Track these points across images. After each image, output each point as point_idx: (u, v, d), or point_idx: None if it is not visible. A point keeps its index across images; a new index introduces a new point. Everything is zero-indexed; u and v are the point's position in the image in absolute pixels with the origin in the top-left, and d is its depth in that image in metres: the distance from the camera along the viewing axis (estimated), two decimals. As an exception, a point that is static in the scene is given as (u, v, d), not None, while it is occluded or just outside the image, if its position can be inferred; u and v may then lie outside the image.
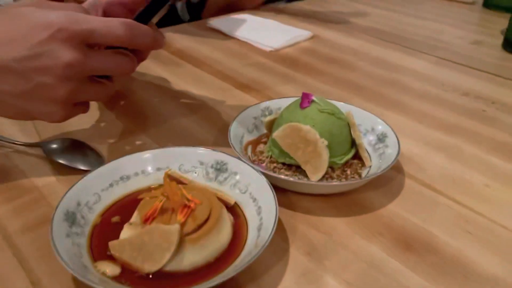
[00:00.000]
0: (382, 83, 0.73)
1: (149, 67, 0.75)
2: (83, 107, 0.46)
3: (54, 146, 0.50)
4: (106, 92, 0.45)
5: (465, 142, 0.57)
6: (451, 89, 0.72)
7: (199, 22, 1.00)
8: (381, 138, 0.51)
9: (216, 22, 0.96)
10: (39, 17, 0.39)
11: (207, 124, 0.59)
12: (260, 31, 0.91)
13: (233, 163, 0.44)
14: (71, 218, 0.37)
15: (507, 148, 0.56)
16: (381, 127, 0.52)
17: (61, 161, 0.48)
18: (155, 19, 0.46)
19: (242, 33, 0.90)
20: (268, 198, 0.39)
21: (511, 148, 0.56)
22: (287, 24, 0.97)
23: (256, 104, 0.55)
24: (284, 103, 0.53)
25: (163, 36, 0.46)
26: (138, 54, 0.48)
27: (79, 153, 0.49)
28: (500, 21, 1.05)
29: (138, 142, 0.54)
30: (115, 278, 0.34)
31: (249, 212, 0.41)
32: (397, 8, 1.17)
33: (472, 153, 0.55)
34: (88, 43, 0.41)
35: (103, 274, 0.34)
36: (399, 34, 0.96)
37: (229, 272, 0.33)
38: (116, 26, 0.40)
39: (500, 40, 0.92)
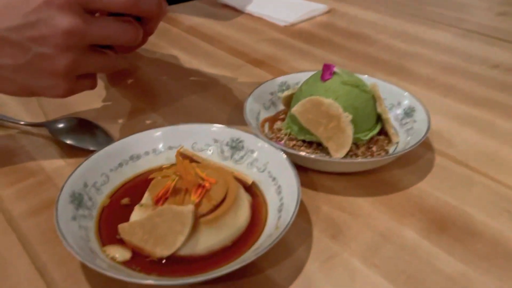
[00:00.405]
0: (403, 57, 0.69)
1: (159, 44, 0.72)
2: (89, 81, 0.43)
3: (61, 125, 0.47)
4: (111, 63, 0.42)
5: (497, 116, 0.53)
6: (479, 61, 0.67)
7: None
8: (409, 113, 0.47)
9: (227, -2, 0.91)
10: None
11: (220, 102, 0.55)
12: (274, 5, 0.87)
13: (249, 140, 0.41)
14: (77, 200, 0.35)
15: (544, 122, 0.52)
16: (407, 101, 0.48)
17: (68, 141, 0.45)
18: None
19: (255, 8, 0.86)
20: (288, 177, 0.36)
21: (548, 122, 0.52)
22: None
23: (272, 79, 0.52)
24: (302, 77, 0.50)
25: (166, 4, 0.43)
26: (144, 25, 0.44)
27: (86, 132, 0.47)
28: (527, -9, 0.99)
29: (148, 121, 0.51)
30: (125, 264, 0.32)
31: (268, 192, 0.38)
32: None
33: (506, 128, 0.51)
34: (88, 9, 0.37)
35: (113, 259, 0.32)
36: (419, 7, 0.91)
37: (249, 256, 0.30)
38: None
39: (528, 10, 0.86)
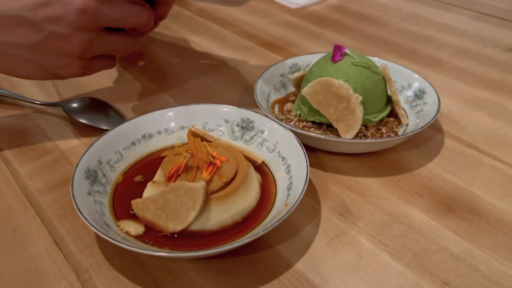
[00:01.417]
0: (415, 40, 0.68)
1: (170, 26, 0.72)
2: (107, 61, 0.43)
3: (75, 105, 0.48)
4: (124, 46, 0.43)
5: (509, 99, 0.53)
6: (492, 44, 0.66)
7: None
8: (419, 95, 0.47)
9: (239, -20, 0.91)
10: None
11: (231, 83, 0.56)
12: (285, -12, 0.86)
13: (260, 120, 0.42)
14: (92, 176, 0.36)
15: (557, 105, 0.52)
16: (418, 83, 0.48)
17: (82, 120, 0.46)
18: None
19: (266, -10, 0.85)
20: (298, 156, 0.37)
21: (561, 105, 0.52)
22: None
23: (282, 60, 0.52)
24: (313, 59, 0.50)
25: None
26: (156, 9, 0.45)
27: (100, 112, 0.48)
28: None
29: (160, 102, 0.52)
30: (139, 237, 0.33)
31: (278, 171, 0.38)
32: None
33: (518, 111, 0.51)
34: None
35: (127, 233, 0.33)
36: (433, -11, 0.90)
37: (257, 231, 0.31)
38: None
39: (545, -7, 0.85)
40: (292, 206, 0.32)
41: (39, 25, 0.37)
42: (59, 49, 0.38)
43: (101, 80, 0.55)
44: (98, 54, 0.42)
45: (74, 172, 0.34)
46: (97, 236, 0.34)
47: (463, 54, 0.64)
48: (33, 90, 0.53)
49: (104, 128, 0.46)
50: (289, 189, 0.36)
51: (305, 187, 0.33)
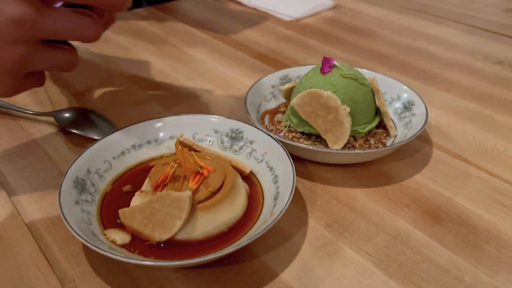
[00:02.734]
0: (407, 52, 0.69)
1: (164, 36, 0.73)
2: (37, 79, 0.37)
3: (66, 115, 0.48)
4: (67, 60, 0.36)
5: (498, 112, 0.53)
6: (483, 57, 0.67)
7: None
8: (408, 107, 0.48)
9: (234, -7, 0.92)
10: None
11: (223, 94, 0.56)
12: (280, 1, 0.88)
13: (249, 131, 0.42)
14: (80, 185, 0.36)
15: (545, 118, 0.52)
16: (407, 95, 0.49)
17: (73, 130, 0.47)
18: None
19: (261, 3, 0.87)
20: (285, 166, 0.37)
21: (549, 118, 0.52)
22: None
23: (273, 72, 0.53)
24: (303, 71, 0.51)
25: None
26: (103, 16, 0.39)
27: (91, 122, 0.48)
28: (536, -12, 0.98)
29: (151, 111, 0.52)
30: (125, 247, 0.33)
31: (266, 181, 0.39)
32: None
33: (506, 123, 0.51)
34: None
35: (113, 242, 0.33)
36: (425, 3, 0.91)
37: (243, 241, 0.31)
38: None
39: (536, 7, 0.86)
40: (277, 216, 0.32)
41: None
42: None
43: (93, 90, 0.55)
44: (33, 71, 0.35)
45: (62, 181, 0.35)
46: (84, 245, 0.34)
47: (453, 66, 0.65)
48: (26, 99, 0.53)
49: (95, 138, 0.46)
50: (275, 199, 0.36)
51: (291, 197, 0.33)
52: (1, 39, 0.31)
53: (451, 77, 0.62)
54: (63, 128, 0.47)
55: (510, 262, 0.34)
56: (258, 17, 0.83)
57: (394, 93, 0.50)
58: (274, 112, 0.50)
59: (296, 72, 0.53)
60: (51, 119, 0.49)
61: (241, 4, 0.88)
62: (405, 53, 0.69)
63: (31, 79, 0.36)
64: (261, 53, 0.68)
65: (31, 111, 0.49)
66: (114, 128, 0.48)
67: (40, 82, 0.38)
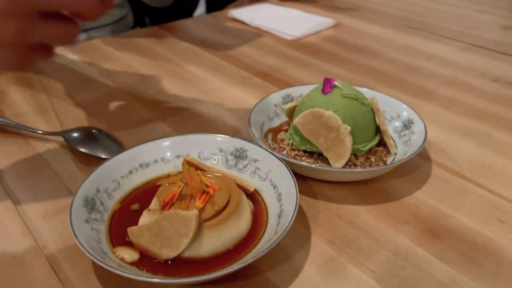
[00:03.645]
0: (406, 70, 0.71)
1: (168, 56, 0.75)
2: (45, 51, 0.38)
3: (75, 135, 0.50)
4: (66, 33, 0.37)
5: (496, 129, 0.54)
6: (480, 75, 0.69)
7: (220, 12, 0.99)
8: (407, 125, 0.49)
9: (238, 12, 0.95)
10: None
11: (227, 113, 0.58)
12: (282, 20, 0.90)
13: (253, 150, 0.43)
14: (90, 204, 0.37)
15: (542, 134, 0.53)
16: (406, 113, 0.50)
17: (81, 150, 0.48)
18: None
19: (263, 22, 0.89)
20: (288, 185, 0.38)
21: (545, 134, 0.53)
22: (309, 12, 0.95)
23: (276, 91, 0.54)
24: (305, 90, 0.52)
25: None
26: None
27: (99, 141, 0.49)
28: (532, 6, 1.01)
29: (158, 130, 0.54)
30: (134, 264, 0.34)
31: (269, 199, 0.40)
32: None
33: (504, 140, 0.52)
34: None
35: (122, 259, 0.34)
36: (424, 21, 0.93)
37: (248, 258, 0.32)
38: None
39: (532, 24, 0.88)
40: (281, 234, 0.33)
41: None
42: None
43: (101, 110, 0.57)
44: (34, 43, 0.36)
45: (73, 201, 0.36)
46: (94, 263, 0.35)
47: (452, 84, 0.66)
48: (36, 119, 0.55)
49: (103, 157, 0.47)
50: (279, 216, 0.37)
51: (294, 215, 0.34)
52: None
53: (450, 94, 0.63)
54: (72, 147, 0.49)
55: (508, 278, 0.35)
56: (260, 36, 0.85)
57: (394, 111, 0.51)
58: (277, 130, 0.52)
59: (298, 91, 0.55)
60: (60, 138, 0.50)
61: (243, 23, 0.91)
62: (404, 70, 0.70)
63: (37, 52, 0.37)
64: (263, 71, 0.70)
65: (41, 131, 0.51)
66: (121, 146, 0.49)
67: (48, 55, 0.39)
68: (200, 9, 1.18)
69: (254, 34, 0.86)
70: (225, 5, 1.19)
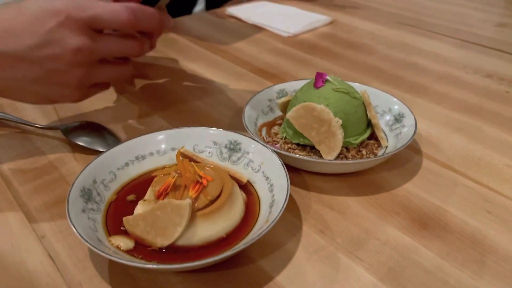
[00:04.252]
0: (400, 66, 0.72)
1: (166, 52, 0.76)
2: (102, 85, 0.48)
3: (73, 128, 0.51)
4: (121, 73, 0.46)
5: (486, 123, 0.55)
6: (473, 71, 0.70)
7: (218, 10, 1.00)
8: (398, 118, 0.50)
9: (235, 9, 0.96)
10: (45, 5, 0.40)
11: (222, 107, 0.59)
12: (278, 17, 0.91)
13: (246, 142, 0.44)
14: (87, 195, 0.38)
15: (531, 128, 0.54)
16: (397, 107, 0.51)
17: (79, 143, 0.49)
18: (163, 1, 0.47)
19: (260, 19, 0.90)
20: (280, 176, 0.39)
21: (535, 128, 0.54)
22: (308, 10, 0.96)
23: (270, 86, 0.55)
24: (299, 85, 0.53)
25: (170, 18, 0.47)
26: (149, 36, 0.48)
27: (96, 135, 0.50)
28: (527, 3, 1.01)
29: (154, 124, 0.55)
30: (129, 252, 0.35)
31: (262, 190, 0.41)
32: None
33: (493, 134, 0.53)
34: (95, 28, 0.42)
35: (117, 247, 0.35)
36: (419, 18, 0.94)
37: (240, 246, 0.33)
38: (119, 11, 0.41)
39: (526, 21, 0.89)
40: (272, 222, 0.34)
41: (40, 62, 0.41)
42: (59, 82, 0.42)
43: (98, 104, 0.58)
44: (96, 82, 0.46)
45: (70, 191, 0.37)
46: (90, 251, 0.36)
47: (445, 80, 0.67)
48: (35, 114, 0.56)
49: (100, 150, 0.48)
50: (271, 206, 0.38)
51: (285, 204, 0.35)
52: (66, 64, 0.41)
53: (442, 90, 0.64)
54: (70, 141, 0.50)
55: (493, 266, 0.36)
56: (257, 33, 0.86)
57: (386, 105, 0.52)
58: (271, 124, 0.53)
59: (292, 86, 0.56)
60: (58, 132, 0.51)
61: (240, 21, 0.91)
62: (399, 67, 0.71)
63: (96, 87, 0.47)
64: (259, 67, 0.71)
65: (40, 125, 0.52)
66: (117, 140, 0.50)
67: (105, 87, 0.49)
68: (199, 6, 1.19)
69: (251, 31, 0.87)
70: (224, 2, 1.20)
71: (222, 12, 0.97)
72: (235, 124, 0.55)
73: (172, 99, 0.61)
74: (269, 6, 0.98)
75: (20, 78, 0.42)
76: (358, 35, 0.85)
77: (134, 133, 0.52)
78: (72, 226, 0.33)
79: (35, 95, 0.44)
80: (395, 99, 0.51)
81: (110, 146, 0.48)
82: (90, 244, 0.32)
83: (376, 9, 1.01)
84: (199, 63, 0.72)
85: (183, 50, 0.78)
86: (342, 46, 0.80)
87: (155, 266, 0.33)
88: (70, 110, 0.56)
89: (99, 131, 0.51)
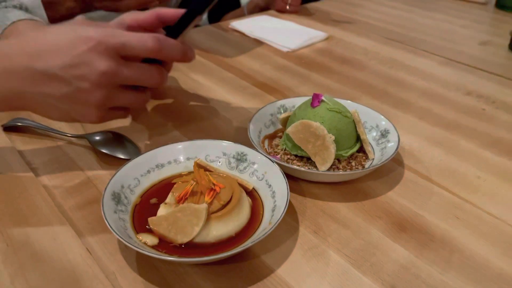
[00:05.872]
0: (389, 82, 0.79)
1: (176, 66, 0.82)
2: (120, 112, 0.52)
3: (98, 137, 0.57)
4: (139, 100, 0.50)
5: (462, 138, 0.63)
6: (455, 88, 0.77)
7: (222, 23, 1.07)
8: (384, 134, 0.57)
9: (238, 23, 1.02)
10: (82, 32, 0.45)
11: (229, 120, 0.66)
12: (278, 32, 0.97)
13: (251, 154, 0.51)
14: (116, 198, 0.45)
15: (502, 143, 0.62)
16: (384, 123, 0.58)
17: (104, 151, 0.55)
18: (187, 32, 0.53)
19: (261, 34, 0.96)
20: (281, 184, 0.46)
21: (505, 143, 0.62)
22: (306, 25, 1.03)
23: (272, 102, 0.62)
24: (297, 101, 0.60)
25: (192, 49, 0.52)
26: (170, 67, 0.54)
27: (119, 144, 0.57)
28: (511, 22, 1.09)
29: (170, 135, 0.61)
30: (154, 247, 0.42)
31: (265, 196, 0.48)
32: (412, 9, 1.22)
33: (468, 148, 0.60)
34: (123, 55, 0.46)
35: (144, 243, 0.42)
36: (409, 35, 1.01)
37: (247, 243, 0.40)
38: (146, 39, 0.46)
39: (507, 40, 0.96)
40: (274, 225, 0.41)
41: (69, 81, 0.45)
42: (82, 100, 0.46)
43: (118, 115, 0.65)
44: (114, 106, 0.49)
45: (104, 195, 0.43)
46: (120, 246, 0.43)
47: (428, 96, 0.74)
48: (62, 124, 0.62)
49: (122, 157, 0.55)
50: (273, 210, 0.45)
51: (285, 209, 0.42)
52: (91, 84, 0.45)
53: (426, 105, 0.71)
54: (95, 148, 0.56)
55: (458, 263, 0.43)
56: (258, 47, 0.92)
57: (373, 122, 0.59)
58: (272, 136, 0.59)
59: (291, 102, 0.62)
60: (84, 141, 0.58)
61: (243, 35, 0.98)
62: (387, 82, 0.78)
63: (115, 111, 0.51)
64: (261, 81, 0.78)
65: (69, 134, 0.58)
66: (137, 149, 0.57)
67: (123, 115, 0.53)
68: (202, 16, 1.26)
69: (253, 45, 0.93)
70: (225, 13, 1.27)
71: (226, 25, 1.04)
72: (240, 135, 0.62)
73: (183, 110, 0.68)
74: (270, 21, 1.05)
75: (49, 94, 0.46)
76: (352, 51, 0.92)
77: (152, 143, 0.59)
78: (108, 225, 0.40)
79: (60, 112, 0.48)
80: (381, 116, 0.58)
81: (130, 154, 0.55)
82: (124, 240, 0.39)
83: (370, 24, 1.08)
84: (205, 76, 0.79)
85: (192, 64, 0.84)
86: (337, 61, 0.87)
87: (176, 259, 0.39)
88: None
89: (121, 141, 0.58)
